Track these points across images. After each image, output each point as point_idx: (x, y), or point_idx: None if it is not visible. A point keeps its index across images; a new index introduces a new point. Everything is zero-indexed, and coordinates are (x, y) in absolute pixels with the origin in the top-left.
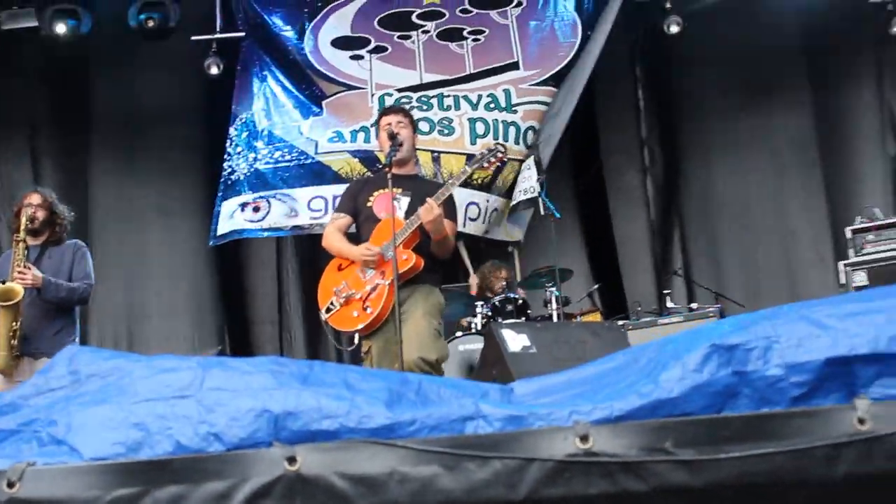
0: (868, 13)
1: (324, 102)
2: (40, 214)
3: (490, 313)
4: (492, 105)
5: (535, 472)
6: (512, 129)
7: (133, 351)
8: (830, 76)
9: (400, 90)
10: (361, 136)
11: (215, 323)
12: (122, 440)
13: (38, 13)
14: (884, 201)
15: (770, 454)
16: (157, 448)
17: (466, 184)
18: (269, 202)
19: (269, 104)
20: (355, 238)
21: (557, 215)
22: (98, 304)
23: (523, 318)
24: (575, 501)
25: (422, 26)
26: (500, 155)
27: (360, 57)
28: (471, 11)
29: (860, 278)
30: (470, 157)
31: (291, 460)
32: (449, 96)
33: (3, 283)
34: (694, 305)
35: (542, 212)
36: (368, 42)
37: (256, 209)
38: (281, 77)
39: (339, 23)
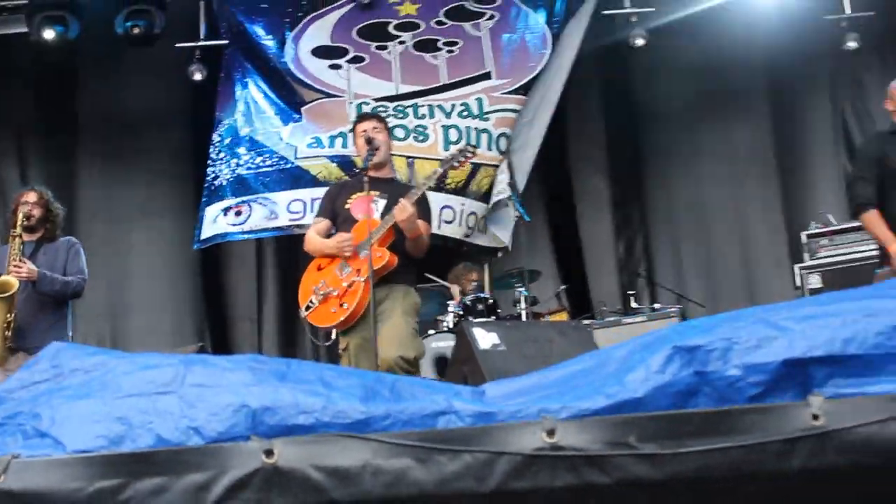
0: (823, 29)
1: (303, 109)
2: (36, 212)
3: (461, 312)
4: (465, 113)
5: (503, 466)
6: (484, 136)
7: (115, 347)
8: (787, 89)
9: (377, 100)
10: (339, 141)
11: (196, 320)
12: (104, 433)
13: (28, 19)
14: (837, 207)
15: (729, 448)
16: (138, 441)
17: (440, 188)
18: (250, 206)
19: (250, 110)
20: None
21: (527, 218)
22: (82, 302)
23: (493, 318)
24: (541, 493)
25: (398, 37)
26: (469, 155)
27: (339, 66)
28: (445, 23)
29: (815, 281)
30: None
31: (269, 453)
32: (423, 105)
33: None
34: (657, 306)
35: (513, 215)
36: (347, 52)
37: (238, 213)
38: (262, 84)
39: (319, 32)
